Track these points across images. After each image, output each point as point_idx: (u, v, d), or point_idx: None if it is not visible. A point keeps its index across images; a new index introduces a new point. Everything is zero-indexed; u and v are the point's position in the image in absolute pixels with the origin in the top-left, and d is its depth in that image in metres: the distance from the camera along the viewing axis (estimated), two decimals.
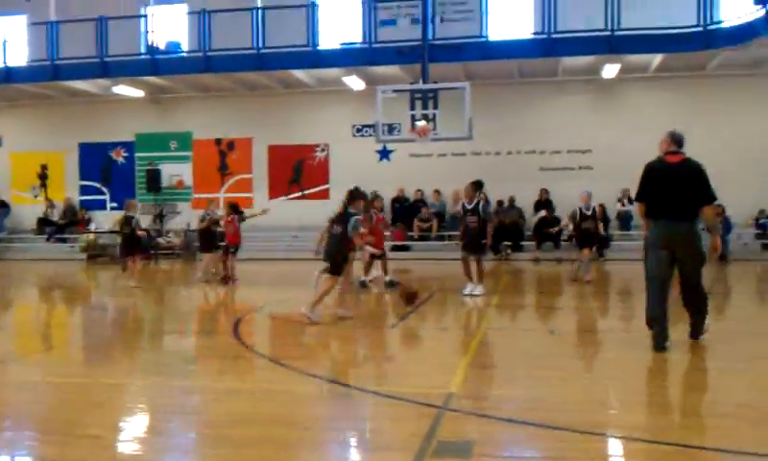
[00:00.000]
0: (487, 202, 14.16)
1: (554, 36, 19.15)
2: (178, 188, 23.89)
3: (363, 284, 14.02)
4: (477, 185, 13.11)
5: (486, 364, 7.86)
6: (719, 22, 18.64)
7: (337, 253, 10.21)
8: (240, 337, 9.27)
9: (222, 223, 15.90)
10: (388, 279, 14.14)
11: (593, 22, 18.89)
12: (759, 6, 16.74)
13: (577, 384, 6.85)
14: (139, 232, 15.24)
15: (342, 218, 10.24)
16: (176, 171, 23.97)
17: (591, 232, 14.65)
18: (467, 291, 12.74)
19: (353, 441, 5.43)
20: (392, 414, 5.94)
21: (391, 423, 5.74)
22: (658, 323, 7.85)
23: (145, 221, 23.28)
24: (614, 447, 5.23)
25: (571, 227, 15.36)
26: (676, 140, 8.10)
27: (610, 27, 18.78)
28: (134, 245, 15.19)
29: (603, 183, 19.83)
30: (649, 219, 7.97)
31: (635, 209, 19.81)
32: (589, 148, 21.67)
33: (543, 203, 21.25)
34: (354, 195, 10.48)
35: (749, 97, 20.56)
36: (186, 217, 23.25)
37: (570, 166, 21.79)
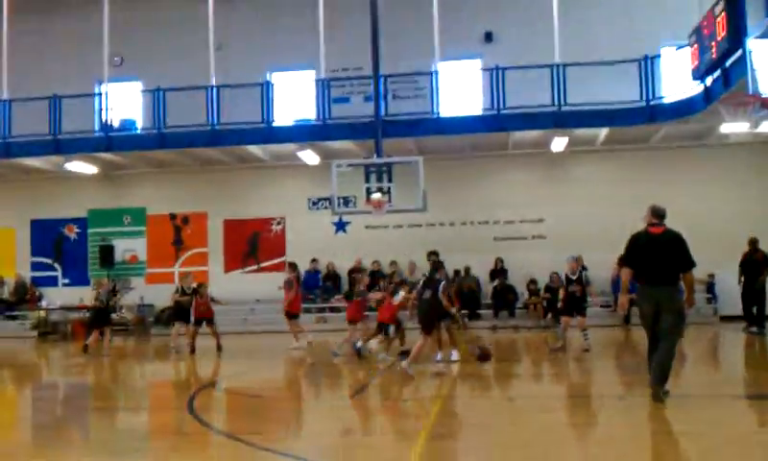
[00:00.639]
0: (447, 278, 14.36)
1: (503, 112, 19.71)
2: (131, 263, 23.66)
3: (359, 351, 13.91)
4: (437, 262, 14.13)
5: (444, 434, 7.86)
6: (661, 98, 19.40)
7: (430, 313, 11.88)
8: (195, 412, 9.13)
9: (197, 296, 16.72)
10: (402, 348, 13.63)
11: (541, 99, 19.52)
12: (698, 82, 17.52)
13: (534, 453, 6.90)
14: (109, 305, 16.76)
15: (430, 284, 12.04)
16: (129, 246, 23.77)
17: (578, 297, 14.54)
18: (437, 358, 12.81)
19: None
20: None
21: None
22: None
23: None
24: None
25: (561, 293, 15.13)
26: (657, 213, 9.03)
27: (556, 103, 19.41)
28: (104, 319, 16.86)
29: (555, 252, 20.15)
30: (637, 282, 8.81)
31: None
32: (541, 217, 22.13)
33: (498, 271, 21.53)
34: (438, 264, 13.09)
35: (691, 167, 21.30)
36: (140, 292, 22.99)
37: (523, 236, 22.19)
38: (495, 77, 19.84)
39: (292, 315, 16.74)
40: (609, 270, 20.22)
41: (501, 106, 19.72)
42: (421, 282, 12.58)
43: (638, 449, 6.76)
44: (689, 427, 7.52)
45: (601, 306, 20.13)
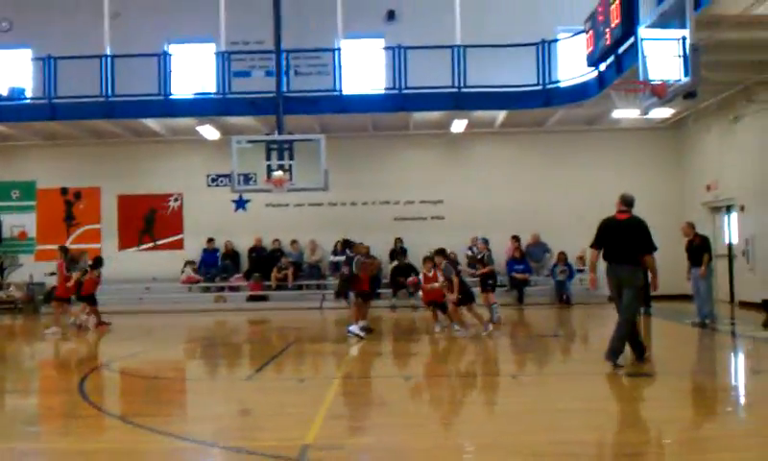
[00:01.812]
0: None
1: (405, 91, 19.85)
2: (20, 240, 22.64)
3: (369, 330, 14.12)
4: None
5: (342, 413, 7.93)
6: (557, 82, 19.96)
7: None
8: (86, 395, 8.87)
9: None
10: (363, 324, 13.98)
11: (442, 80, 19.75)
12: (592, 68, 18.12)
13: (431, 430, 7.04)
14: None
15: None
16: (18, 222, 22.73)
17: (488, 275, 15.26)
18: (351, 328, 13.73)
19: None
20: None
21: None
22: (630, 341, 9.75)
23: None
24: None
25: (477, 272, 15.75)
26: (626, 201, 9.86)
27: (456, 84, 19.70)
28: None
29: (453, 233, 20.58)
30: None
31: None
32: (441, 199, 22.47)
33: (398, 251, 21.75)
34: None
35: (585, 150, 22.08)
36: (29, 269, 22.06)
37: (423, 216, 22.49)
38: (397, 56, 19.94)
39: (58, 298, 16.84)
40: (503, 250, 20.91)
41: (403, 85, 19.84)
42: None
43: (533, 424, 7.00)
44: (583, 404, 7.86)
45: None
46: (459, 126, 21.10)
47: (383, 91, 20.55)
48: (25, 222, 22.80)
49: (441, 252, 14.19)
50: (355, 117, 20.89)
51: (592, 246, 9.96)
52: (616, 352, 9.53)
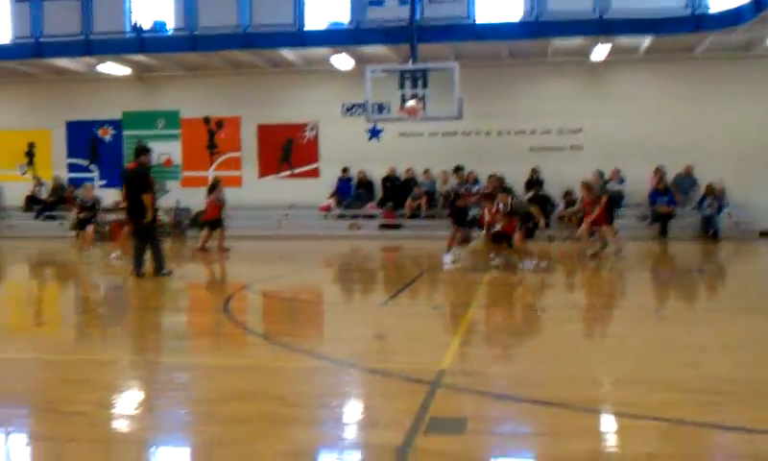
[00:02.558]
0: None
1: (542, 18, 19.09)
2: (166, 167, 23.73)
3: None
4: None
5: (476, 341, 7.89)
6: (707, 6, 18.64)
7: None
8: (231, 314, 9.26)
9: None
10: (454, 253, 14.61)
11: (582, 4, 18.86)
12: None
13: (569, 361, 6.89)
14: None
15: None
16: (164, 149, 23.80)
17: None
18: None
19: (345, 417, 5.45)
20: (383, 390, 5.97)
21: (382, 399, 5.77)
22: None
23: None
24: (607, 423, 5.27)
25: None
26: None
27: (599, 8, 18.75)
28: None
29: (593, 163, 19.81)
30: None
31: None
32: (579, 128, 21.68)
33: (534, 182, 21.26)
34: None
35: (736, 80, 20.60)
36: (175, 195, 23.12)
37: (560, 146, 21.79)
38: None
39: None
40: (646, 182, 20.04)
41: (541, 11, 19.07)
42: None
43: (675, 359, 6.71)
44: (727, 340, 7.47)
45: (637, 218, 19.96)
46: (600, 53, 20.11)
47: (520, 18, 19.82)
48: (170, 150, 23.84)
49: (504, 189, 14.28)
50: (491, 45, 20.32)
51: None
52: None
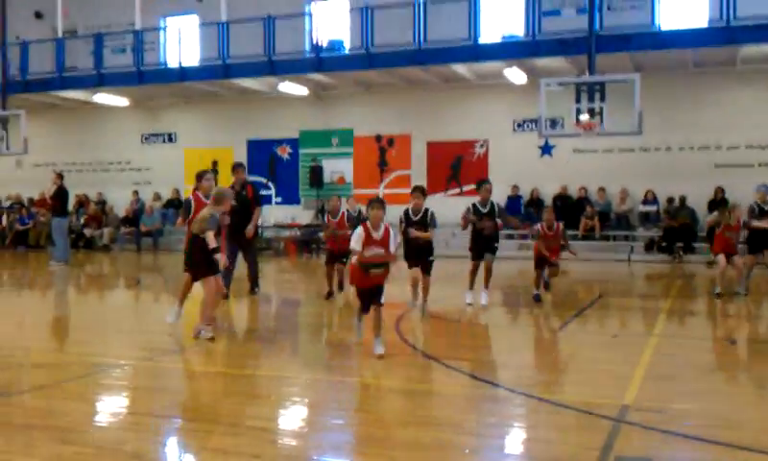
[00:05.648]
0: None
1: (734, 23, 17.77)
2: (339, 184, 24.32)
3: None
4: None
5: (662, 375, 7.30)
6: None
7: None
8: (401, 334, 9.17)
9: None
10: None
11: None
12: None
13: (763, 401, 6.22)
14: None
15: None
16: (337, 167, 24.42)
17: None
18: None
19: (526, 450, 5.18)
20: (562, 423, 5.62)
21: (563, 432, 5.43)
22: None
23: (308, 216, 23.99)
24: None
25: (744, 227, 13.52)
26: None
27: None
28: None
29: None
30: None
31: None
32: None
33: (718, 202, 19.83)
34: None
35: None
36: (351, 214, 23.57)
37: (748, 163, 20.23)
38: None
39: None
40: None
41: (732, 15, 17.76)
42: None
43: None
44: None
45: None
46: None
47: (707, 24, 18.56)
48: (343, 168, 24.40)
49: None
50: (673, 54, 19.21)
51: None
52: None
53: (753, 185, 18.77)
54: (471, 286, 11.63)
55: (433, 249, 10.60)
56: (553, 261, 11.84)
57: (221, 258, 8.31)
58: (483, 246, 11.42)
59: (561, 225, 12.03)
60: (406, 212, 10.30)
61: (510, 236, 21.64)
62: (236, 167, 13.39)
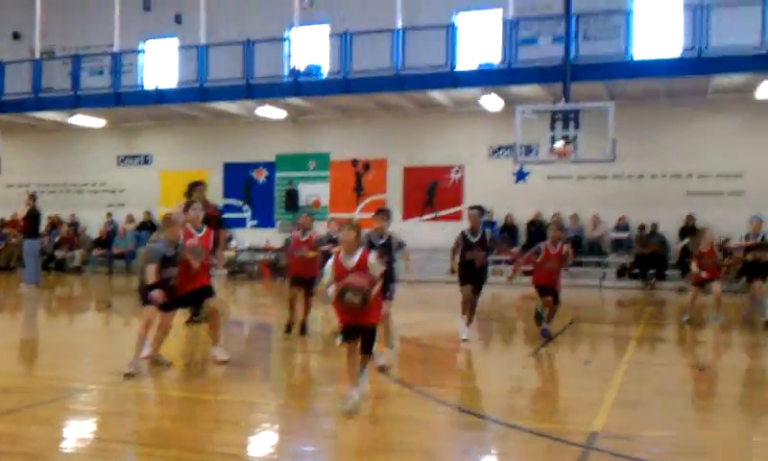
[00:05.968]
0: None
1: (705, 54, 18.12)
2: (314, 208, 24.32)
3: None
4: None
5: (630, 402, 7.35)
6: None
7: None
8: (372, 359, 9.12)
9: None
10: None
11: (747, 39, 17.76)
12: None
13: (729, 427, 6.29)
14: None
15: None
16: (312, 191, 24.43)
17: (762, 263, 12.71)
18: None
19: None
20: (531, 450, 5.64)
21: (531, 460, 5.45)
22: None
23: (283, 240, 23.88)
24: None
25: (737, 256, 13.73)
26: None
27: (767, 44, 17.60)
28: None
29: (754, 210, 18.45)
30: None
31: None
32: (740, 172, 20.36)
33: (689, 229, 20.11)
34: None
35: None
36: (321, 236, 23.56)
37: (719, 191, 20.55)
38: (699, 14, 18.23)
39: None
40: None
41: (703, 46, 18.11)
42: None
43: None
44: None
45: None
46: (766, 91, 18.87)
47: (680, 54, 18.90)
48: (319, 191, 24.42)
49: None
50: (646, 83, 19.54)
51: None
52: None
53: (723, 214, 19.25)
54: (467, 321, 10.76)
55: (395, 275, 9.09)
56: (551, 288, 10.95)
57: (157, 295, 7.81)
58: (471, 278, 10.63)
59: (566, 247, 11.13)
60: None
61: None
62: (195, 186, 11.23)
